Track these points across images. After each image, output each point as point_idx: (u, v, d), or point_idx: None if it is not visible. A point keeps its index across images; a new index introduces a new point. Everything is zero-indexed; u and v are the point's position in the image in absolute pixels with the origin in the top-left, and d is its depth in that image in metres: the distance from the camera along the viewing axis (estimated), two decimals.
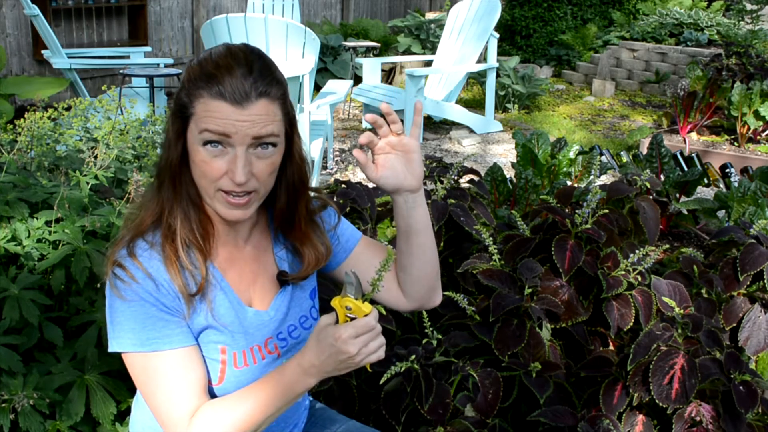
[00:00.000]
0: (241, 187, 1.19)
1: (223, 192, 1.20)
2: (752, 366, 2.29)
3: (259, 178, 1.21)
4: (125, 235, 1.26)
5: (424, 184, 2.65)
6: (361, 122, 7.06)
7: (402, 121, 6.37)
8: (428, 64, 7.63)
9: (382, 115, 1.29)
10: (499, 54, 8.21)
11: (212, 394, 1.26)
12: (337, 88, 5.97)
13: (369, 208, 2.45)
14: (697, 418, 1.87)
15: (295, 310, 1.37)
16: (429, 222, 1.37)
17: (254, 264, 1.33)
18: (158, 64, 6.09)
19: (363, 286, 1.18)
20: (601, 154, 5.25)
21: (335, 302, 1.15)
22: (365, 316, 1.13)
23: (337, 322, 1.15)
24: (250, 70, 1.17)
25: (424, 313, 1.88)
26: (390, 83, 8.42)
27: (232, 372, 1.27)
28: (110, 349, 1.22)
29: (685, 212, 3.62)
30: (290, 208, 1.32)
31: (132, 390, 1.85)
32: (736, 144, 5.99)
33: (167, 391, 1.19)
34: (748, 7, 10.70)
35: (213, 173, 1.19)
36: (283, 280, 1.35)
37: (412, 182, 1.30)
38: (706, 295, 2.30)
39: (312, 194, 1.39)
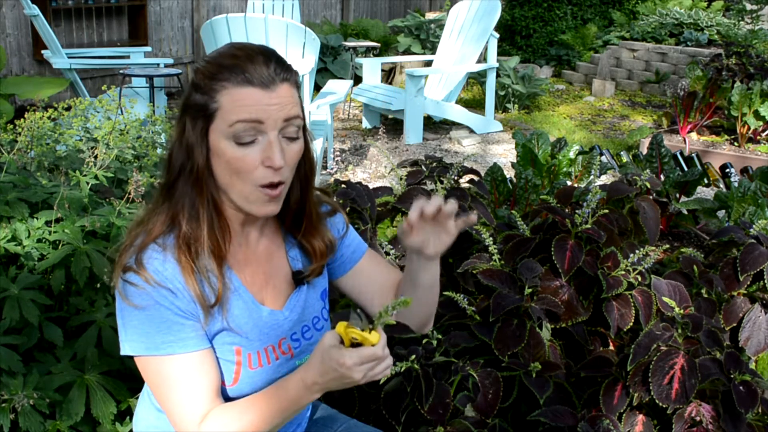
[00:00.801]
0: (278, 175, 1.19)
1: (261, 187, 1.19)
2: (752, 366, 2.29)
3: (289, 164, 1.21)
4: (134, 240, 1.24)
5: (424, 183, 2.65)
6: (361, 122, 7.06)
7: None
8: (428, 64, 7.63)
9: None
10: (499, 54, 8.21)
11: (225, 395, 1.26)
12: (337, 88, 5.97)
13: (369, 208, 2.45)
14: (697, 418, 1.87)
15: (309, 310, 1.37)
16: (436, 279, 1.39)
17: (266, 265, 1.33)
18: (158, 64, 6.10)
19: (365, 305, 1.16)
20: (601, 154, 5.25)
21: (340, 328, 1.11)
22: (372, 345, 1.10)
23: (342, 342, 1.12)
24: (268, 57, 1.18)
25: None
26: (390, 83, 8.42)
27: (247, 373, 1.26)
28: (122, 353, 1.21)
29: (685, 212, 3.62)
30: (302, 200, 1.33)
31: (132, 390, 1.85)
32: (736, 144, 5.99)
33: (181, 394, 1.19)
34: (748, 7, 10.70)
35: (248, 167, 1.18)
36: (299, 279, 1.35)
37: (432, 253, 1.33)
38: (706, 295, 2.30)
39: (321, 196, 1.40)
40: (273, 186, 1.20)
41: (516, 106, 7.74)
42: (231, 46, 1.21)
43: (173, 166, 1.22)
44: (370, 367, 1.10)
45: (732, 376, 1.90)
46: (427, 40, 8.78)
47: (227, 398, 1.26)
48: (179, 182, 1.22)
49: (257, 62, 1.17)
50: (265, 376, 1.27)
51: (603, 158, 5.23)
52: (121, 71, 5.99)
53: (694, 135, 6.21)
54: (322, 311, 1.41)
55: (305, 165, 1.30)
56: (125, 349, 1.21)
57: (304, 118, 1.25)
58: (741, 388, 1.87)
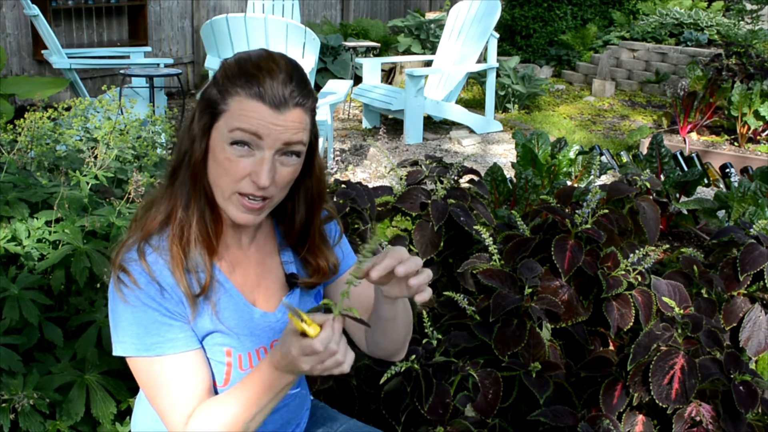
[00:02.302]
0: (262, 191, 1.18)
1: (239, 195, 1.19)
2: (752, 366, 2.29)
3: (278, 184, 1.20)
4: (131, 236, 1.25)
5: (424, 183, 2.65)
6: (361, 122, 7.06)
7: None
8: (428, 64, 7.63)
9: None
10: (499, 54, 8.21)
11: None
12: (337, 88, 5.97)
13: (369, 208, 2.45)
14: (697, 418, 1.87)
15: None
16: (398, 315, 1.31)
17: (258, 267, 1.33)
18: (158, 64, 6.10)
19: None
20: (601, 154, 5.25)
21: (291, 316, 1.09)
22: (312, 337, 1.06)
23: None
24: (290, 78, 1.17)
25: (424, 313, 1.88)
26: (390, 83, 8.42)
27: (238, 374, 1.27)
28: (114, 353, 1.22)
29: (685, 212, 3.62)
30: (308, 220, 1.32)
31: (132, 390, 1.85)
32: (736, 144, 5.99)
33: (170, 394, 1.20)
34: (748, 7, 10.70)
35: (236, 173, 1.18)
36: (293, 282, 1.35)
37: (389, 296, 1.24)
38: (706, 295, 2.30)
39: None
40: (252, 198, 1.19)
41: (516, 106, 7.74)
42: (262, 53, 1.20)
43: (179, 153, 1.24)
44: (317, 360, 1.06)
45: (732, 376, 1.90)
46: (427, 40, 8.78)
47: None
48: (182, 169, 1.23)
49: (276, 80, 1.16)
50: None
51: (603, 158, 5.23)
52: (121, 71, 5.99)
53: (694, 135, 6.21)
54: None
55: (314, 188, 1.30)
56: (117, 350, 1.22)
57: (314, 143, 1.25)
58: (741, 388, 1.87)
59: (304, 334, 1.07)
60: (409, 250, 2.49)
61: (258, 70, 1.17)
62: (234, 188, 1.19)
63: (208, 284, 1.23)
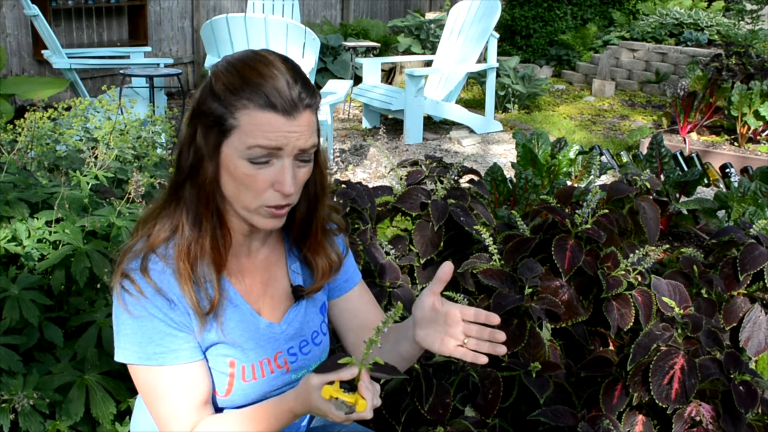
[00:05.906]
0: (288, 198, 1.17)
1: (266, 207, 1.17)
2: (752, 366, 2.29)
3: (297, 187, 1.19)
4: (136, 243, 1.22)
5: (424, 183, 2.65)
6: (361, 122, 7.05)
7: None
8: (428, 64, 7.63)
9: None
10: (499, 54, 8.21)
11: (218, 406, 1.26)
12: (337, 88, 5.97)
13: (369, 208, 2.45)
14: (697, 418, 1.87)
15: (308, 325, 1.36)
16: (414, 358, 1.33)
17: (265, 274, 1.32)
18: (158, 64, 6.09)
19: (340, 336, 1.13)
20: (601, 154, 5.25)
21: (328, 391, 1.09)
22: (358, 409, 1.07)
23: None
24: (295, 80, 1.14)
25: None
26: (390, 83, 8.42)
27: (240, 385, 1.26)
28: (116, 359, 1.21)
29: (685, 212, 3.62)
30: (309, 216, 1.31)
31: (132, 390, 1.85)
32: (736, 144, 5.99)
33: (169, 404, 1.19)
34: (748, 7, 10.70)
35: (259, 186, 1.15)
36: (298, 294, 1.34)
37: (426, 347, 1.26)
38: (706, 295, 2.30)
39: (332, 214, 1.38)
40: (280, 207, 1.18)
41: (516, 106, 7.74)
42: (256, 57, 1.16)
43: (182, 167, 1.20)
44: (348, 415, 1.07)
45: (732, 376, 1.90)
46: (427, 40, 8.78)
47: (219, 409, 1.26)
48: (187, 185, 1.20)
49: (282, 85, 1.12)
50: (259, 389, 1.26)
51: (603, 158, 5.23)
52: (121, 71, 5.98)
53: (694, 135, 6.21)
54: (321, 325, 1.39)
55: (317, 185, 1.28)
56: (118, 356, 1.20)
57: (319, 143, 1.24)
58: (741, 388, 1.87)
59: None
60: (409, 250, 2.49)
61: (261, 77, 1.13)
62: (259, 202, 1.17)
63: (216, 301, 1.21)
